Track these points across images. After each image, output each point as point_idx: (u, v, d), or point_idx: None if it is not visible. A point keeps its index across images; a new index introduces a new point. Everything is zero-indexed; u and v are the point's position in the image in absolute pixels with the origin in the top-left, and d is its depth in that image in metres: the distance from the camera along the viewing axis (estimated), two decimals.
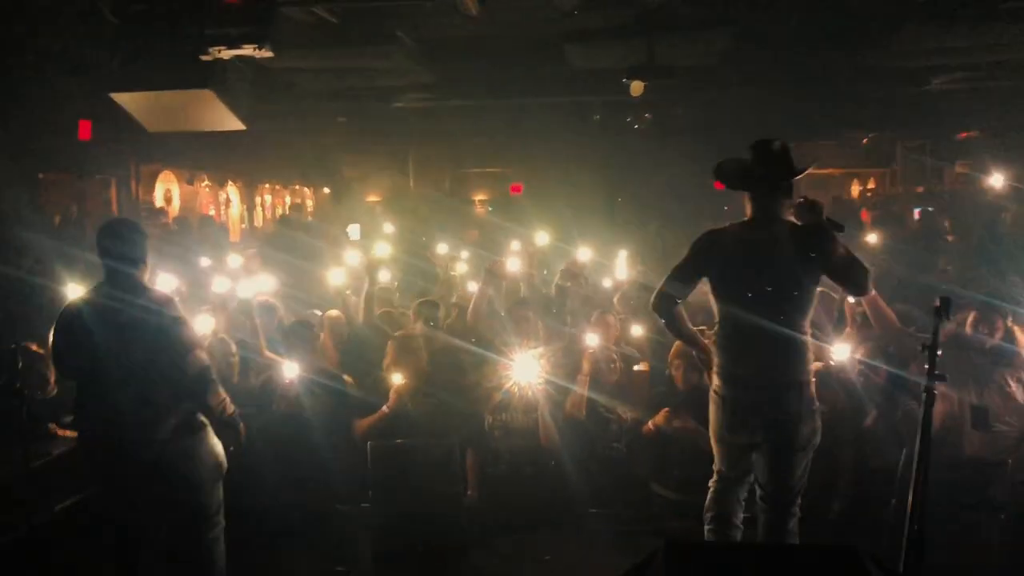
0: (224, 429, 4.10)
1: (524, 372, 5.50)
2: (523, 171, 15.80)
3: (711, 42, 7.58)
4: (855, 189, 16.61)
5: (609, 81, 8.37)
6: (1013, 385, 5.13)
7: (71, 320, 3.92)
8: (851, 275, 4.06)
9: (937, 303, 2.66)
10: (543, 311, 6.68)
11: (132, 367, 3.83)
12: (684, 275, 4.17)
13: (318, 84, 9.41)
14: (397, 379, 5.47)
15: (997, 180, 10.28)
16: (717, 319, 4.16)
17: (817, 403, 4.08)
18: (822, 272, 4.01)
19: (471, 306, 6.34)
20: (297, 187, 15.37)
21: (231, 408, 4.10)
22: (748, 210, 4.12)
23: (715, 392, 4.16)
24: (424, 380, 5.64)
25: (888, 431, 5.14)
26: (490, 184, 16.82)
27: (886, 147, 14.88)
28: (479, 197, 16.86)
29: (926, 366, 2.63)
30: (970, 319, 5.26)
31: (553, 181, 14.52)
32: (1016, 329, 5.24)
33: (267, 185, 14.22)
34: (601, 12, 6.76)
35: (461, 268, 9.02)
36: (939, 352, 2.93)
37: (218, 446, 4.07)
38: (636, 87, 7.11)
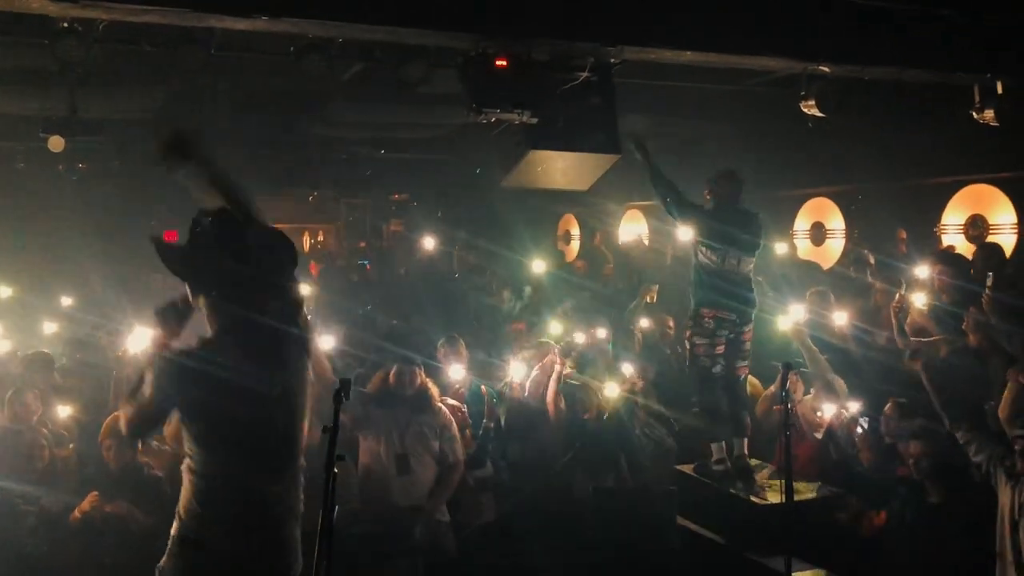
0: None
1: None
2: None
3: (141, 98, 7.32)
4: (307, 242, 17.31)
5: (33, 127, 7.60)
6: (426, 431, 5.68)
7: None
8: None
9: (337, 386, 2.83)
10: None
11: None
12: (152, 414, 3.24)
13: None
14: None
15: (428, 242, 11.55)
16: (194, 467, 3.20)
17: None
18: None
19: None
20: None
21: None
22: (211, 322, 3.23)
23: (179, 550, 3.19)
24: None
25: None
26: None
27: (332, 204, 15.89)
28: None
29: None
30: (392, 372, 5.73)
31: None
32: (427, 380, 5.83)
33: None
34: (10, 57, 6.09)
35: None
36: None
37: None
38: (56, 142, 6.52)
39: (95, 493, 5.01)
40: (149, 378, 3.16)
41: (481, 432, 6.31)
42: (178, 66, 5.98)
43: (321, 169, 12.40)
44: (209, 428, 3.16)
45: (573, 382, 6.78)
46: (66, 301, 9.73)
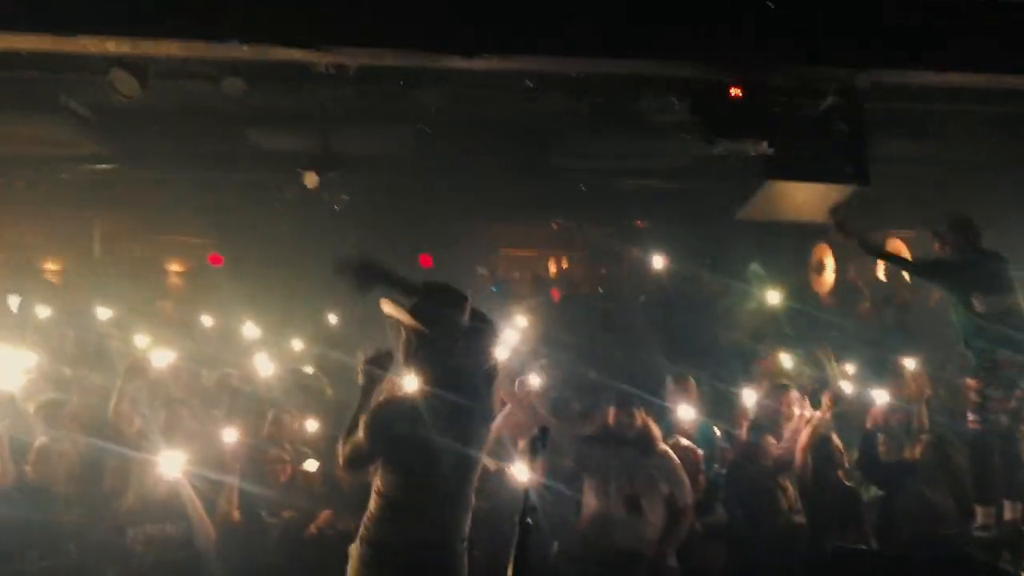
0: None
1: (169, 468, 4.99)
2: (223, 242, 15.14)
3: (393, 135, 7.74)
4: (552, 268, 17.57)
5: (295, 163, 8.25)
6: (655, 473, 5.51)
7: None
8: None
9: (536, 432, 2.75)
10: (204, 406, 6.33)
11: None
12: (364, 456, 3.69)
13: None
14: None
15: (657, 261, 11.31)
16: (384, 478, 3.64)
17: None
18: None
19: (112, 405, 5.80)
20: None
21: None
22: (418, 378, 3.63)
23: (362, 551, 3.61)
24: (66, 494, 5.15)
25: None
26: (186, 254, 15.88)
27: (574, 232, 16.00)
28: (173, 267, 15.84)
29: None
30: (611, 413, 5.62)
31: (255, 254, 14.01)
32: (648, 420, 5.65)
33: None
34: (277, 100, 6.65)
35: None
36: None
37: None
38: (310, 178, 7.04)
39: (329, 511, 5.28)
40: (363, 425, 3.59)
41: (711, 476, 6.04)
42: (421, 103, 6.28)
43: (564, 198, 12.56)
44: (398, 466, 3.57)
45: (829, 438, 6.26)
46: (333, 319, 10.53)
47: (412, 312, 3.58)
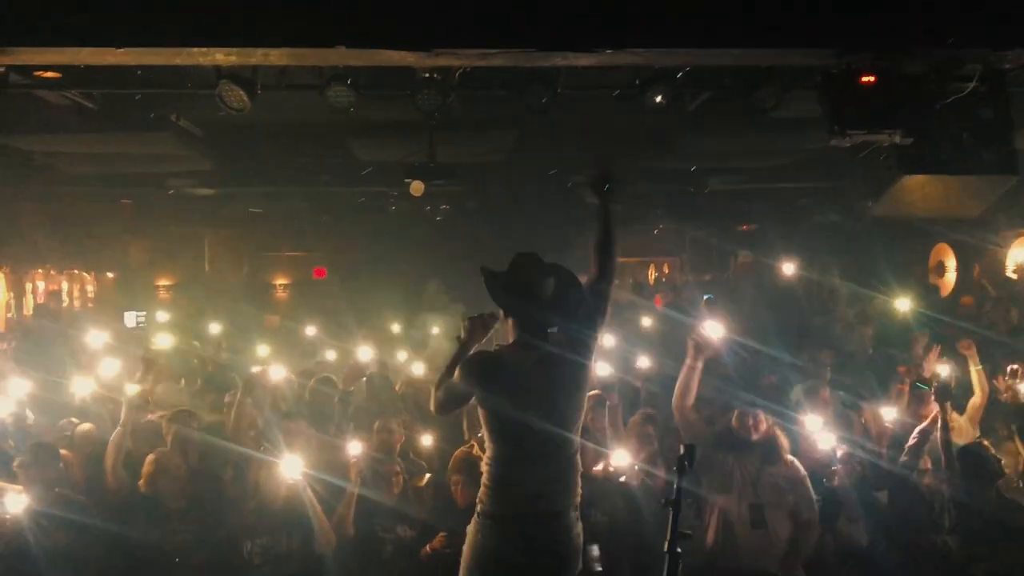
0: None
1: (289, 471, 4.90)
2: (327, 255, 15.39)
3: (494, 141, 7.60)
4: (652, 275, 17.23)
5: (399, 173, 8.22)
6: (781, 483, 5.19)
7: None
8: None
9: (681, 451, 2.50)
10: (320, 419, 6.25)
11: None
12: (457, 394, 3.98)
13: (79, 168, 8.71)
14: None
15: (788, 268, 10.83)
16: (488, 445, 3.87)
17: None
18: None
19: (231, 419, 5.78)
20: (76, 272, 14.17)
21: None
22: (512, 331, 3.89)
23: (479, 523, 3.83)
24: (179, 508, 5.13)
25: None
26: (292, 268, 16.21)
27: (676, 236, 15.65)
28: (280, 281, 16.17)
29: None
30: (735, 416, 5.32)
31: (359, 265, 14.17)
32: (776, 428, 5.31)
33: (40, 271, 13.00)
34: (380, 110, 6.57)
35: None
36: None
37: None
38: (416, 187, 6.97)
39: (443, 533, 5.10)
40: (459, 367, 3.89)
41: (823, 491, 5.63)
42: (526, 107, 6.10)
43: (665, 201, 12.25)
44: (493, 419, 3.79)
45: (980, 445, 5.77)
46: (435, 329, 10.48)
47: (505, 282, 3.84)
